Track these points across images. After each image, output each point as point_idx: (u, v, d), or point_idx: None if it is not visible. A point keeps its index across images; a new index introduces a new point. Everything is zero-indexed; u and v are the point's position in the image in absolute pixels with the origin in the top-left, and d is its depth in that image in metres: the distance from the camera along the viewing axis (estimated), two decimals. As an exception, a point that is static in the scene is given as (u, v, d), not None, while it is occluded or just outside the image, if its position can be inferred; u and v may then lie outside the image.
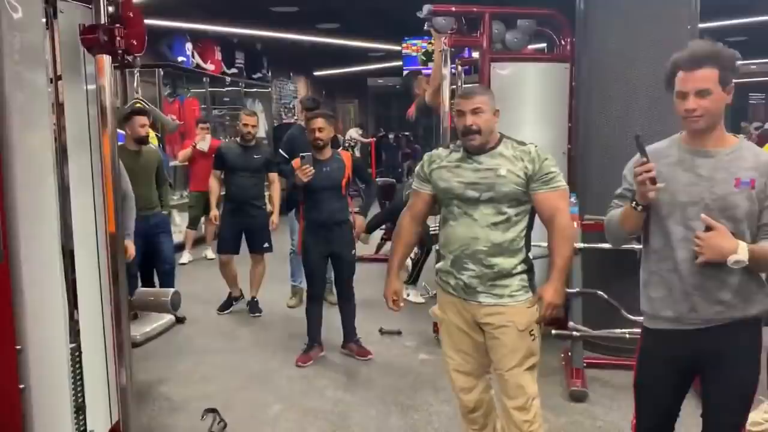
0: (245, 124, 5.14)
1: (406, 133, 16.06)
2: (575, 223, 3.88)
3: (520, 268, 2.48)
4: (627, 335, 3.72)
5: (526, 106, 4.49)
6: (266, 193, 5.55)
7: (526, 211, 2.47)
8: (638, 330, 3.68)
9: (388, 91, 18.65)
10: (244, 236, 5.27)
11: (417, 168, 2.65)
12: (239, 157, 5.13)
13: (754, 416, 3.05)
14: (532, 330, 2.52)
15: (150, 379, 4.00)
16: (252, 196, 5.18)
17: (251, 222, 5.21)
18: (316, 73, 15.47)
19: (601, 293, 3.78)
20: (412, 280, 5.97)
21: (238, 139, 5.35)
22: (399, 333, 4.85)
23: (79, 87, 2.62)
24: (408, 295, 5.89)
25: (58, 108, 2.59)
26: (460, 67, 5.42)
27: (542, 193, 2.43)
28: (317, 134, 4.13)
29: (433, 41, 4.57)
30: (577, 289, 3.82)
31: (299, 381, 4.08)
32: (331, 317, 4.55)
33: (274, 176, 5.32)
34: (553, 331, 3.80)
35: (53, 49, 2.55)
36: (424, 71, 5.25)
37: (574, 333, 3.76)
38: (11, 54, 2.41)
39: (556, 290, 2.39)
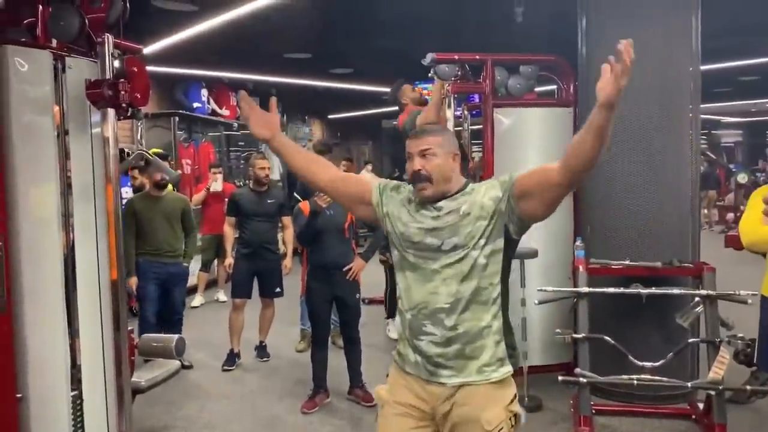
0: (260, 168, 5.17)
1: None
2: (581, 267, 3.86)
3: (494, 326, 2.01)
4: (635, 382, 3.66)
5: (530, 151, 4.52)
6: (279, 236, 5.58)
7: (498, 251, 2.00)
8: (647, 376, 3.67)
9: (400, 133, 18.81)
10: (256, 280, 5.29)
11: (378, 182, 2.23)
12: (253, 203, 5.16)
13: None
14: (503, 429, 1.98)
15: (155, 426, 3.99)
16: (266, 240, 5.20)
17: (264, 266, 5.21)
18: (330, 116, 15.70)
19: (608, 338, 3.74)
20: (390, 312, 5.91)
21: (250, 183, 5.38)
22: (407, 378, 4.80)
23: (85, 138, 2.69)
24: (388, 331, 5.87)
25: (65, 158, 2.67)
26: (466, 111, 5.49)
27: (518, 183, 1.97)
28: None
29: (432, 88, 4.62)
30: (584, 335, 3.78)
31: (304, 428, 4.04)
32: (338, 361, 4.53)
33: (287, 220, 5.32)
34: (560, 378, 3.75)
35: (61, 102, 2.64)
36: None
37: (581, 379, 3.70)
38: (20, 106, 2.50)
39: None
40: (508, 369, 2.04)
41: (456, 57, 4.46)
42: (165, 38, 6.80)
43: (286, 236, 5.41)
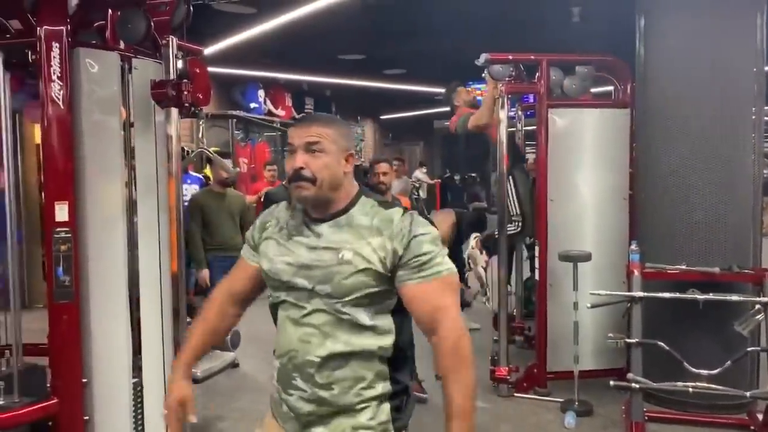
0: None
1: (473, 174, 16.06)
2: (636, 271, 3.79)
3: (380, 389, 1.59)
4: (690, 389, 3.57)
5: (585, 153, 4.45)
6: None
7: (387, 309, 1.60)
8: (703, 384, 3.57)
9: (453, 135, 18.77)
10: None
11: (249, 231, 1.80)
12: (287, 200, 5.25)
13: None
14: None
15: (208, 416, 4.10)
16: None
17: None
18: (382, 117, 15.78)
19: (663, 344, 3.66)
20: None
21: (284, 182, 5.50)
22: (456, 378, 4.80)
23: (149, 136, 2.81)
24: None
25: (130, 155, 2.80)
26: (520, 111, 5.46)
27: (413, 285, 1.54)
28: (381, 178, 4.25)
29: (485, 88, 4.62)
30: (637, 340, 3.71)
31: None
32: (387, 360, 4.56)
33: None
34: (612, 383, 3.69)
35: (127, 101, 2.77)
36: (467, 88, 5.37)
37: (634, 385, 3.63)
38: (90, 105, 2.63)
39: None
40: None
41: (510, 57, 4.43)
42: (224, 40, 6.98)
43: None
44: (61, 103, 2.50)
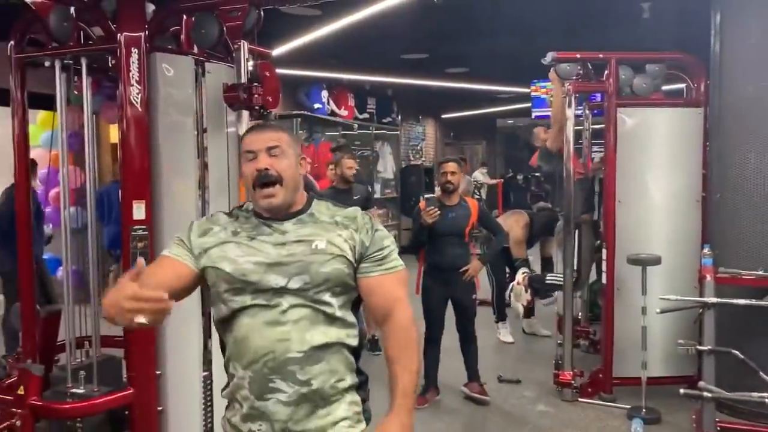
0: (349, 167, 5.32)
1: (536, 174, 15.81)
2: (708, 276, 3.66)
3: (349, 380, 1.65)
4: (766, 400, 3.43)
5: (655, 153, 4.33)
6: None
7: (350, 301, 1.68)
8: (780, 395, 3.43)
9: (517, 131, 18.54)
10: None
11: (179, 233, 1.71)
12: (339, 200, 5.31)
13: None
14: None
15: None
16: None
17: None
18: (444, 116, 15.72)
19: (737, 353, 3.53)
20: (498, 316, 5.87)
21: (335, 182, 5.50)
22: (518, 382, 4.76)
23: (221, 137, 2.90)
24: (499, 333, 5.82)
25: (203, 155, 2.89)
26: (587, 110, 5.35)
27: (375, 276, 1.65)
28: (449, 177, 4.25)
29: (551, 86, 4.56)
30: (710, 347, 3.59)
31: (414, 423, 4.10)
32: (447, 361, 4.55)
33: (373, 212, 5.50)
34: (682, 391, 3.58)
35: (200, 103, 2.86)
36: (539, 121, 5.38)
37: (706, 394, 3.52)
38: (166, 107, 2.73)
39: (403, 425, 1.56)
40: (363, 427, 1.69)
41: (578, 56, 4.36)
42: (289, 42, 7.10)
43: None
44: (139, 105, 2.61)
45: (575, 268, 4.67)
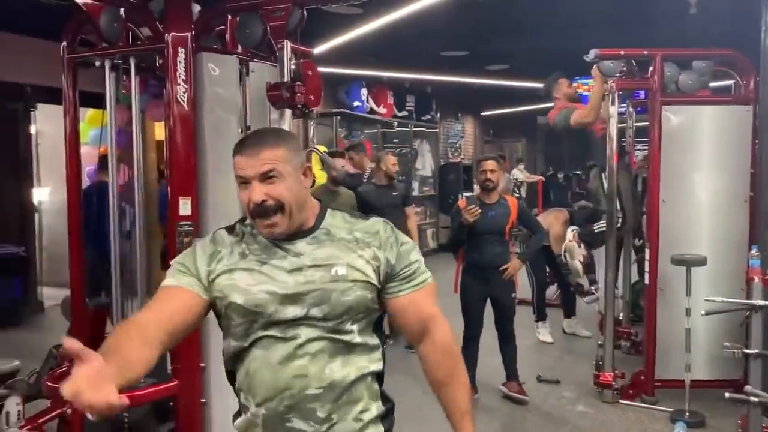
0: (393, 164, 5.41)
1: (578, 172, 15.57)
2: (756, 278, 3.57)
3: (375, 410, 1.52)
4: (816, 406, 3.33)
5: (702, 151, 4.23)
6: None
7: (372, 323, 1.53)
8: (831, 401, 3.31)
9: (552, 129, 18.29)
10: None
11: (179, 259, 1.53)
12: (379, 197, 5.38)
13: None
14: None
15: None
16: None
17: None
18: (483, 113, 15.62)
19: (785, 356, 3.43)
20: (538, 315, 5.81)
21: (374, 179, 5.58)
22: (557, 382, 4.72)
23: (264, 136, 2.94)
24: (539, 333, 5.77)
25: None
26: (631, 108, 5.26)
27: (405, 295, 1.51)
28: (488, 175, 4.23)
29: (593, 83, 4.48)
30: (757, 351, 3.50)
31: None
32: (485, 360, 4.54)
33: (410, 210, 5.54)
34: (728, 395, 3.50)
35: (244, 102, 2.91)
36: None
37: (752, 398, 3.43)
38: (212, 106, 2.79)
39: None
40: None
41: (622, 52, 4.29)
42: (330, 40, 7.15)
43: (410, 225, 5.55)
44: (185, 104, 2.67)
45: (618, 209, 4.58)
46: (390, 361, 1.64)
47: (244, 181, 1.45)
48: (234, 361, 1.51)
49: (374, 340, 1.53)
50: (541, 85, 5.83)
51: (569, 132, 5.13)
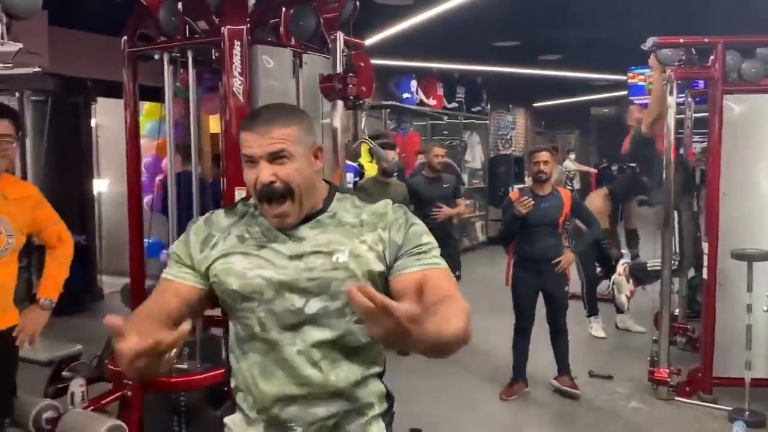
0: (435, 155, 5.38)
1: (632, 165, 15.20)
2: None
3: (377, 409, 1.47)
4: None
5: (764, 142, 4.07)
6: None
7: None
8: None
9: (612, 120, 17.89)
10: None
11: (174, 248, 1.49)
12: (428, 188, 5.37)
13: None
14: None
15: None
16: (443, 224, 5.37)
17: (444, 251, 5.36)
18: (535, 105, 15.40)
19: None
20: (590, 310, 5.71)
21: (424, 171, 5.59)
22: (610, 378, 4.63)
23: (316, 125, 2.97)
24: (591, 327, 5.66)
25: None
26: (690, 98, 5.10)
27: (417, 272, 1.35)
28: (541, 167, 4.18)
29: (650, 73, 4.37)
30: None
31: (502, 413, 4.09)
32: (536, 353, 4.49)
33: (461, 201, 5.53)
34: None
35: (297, 93, 2.94)
36: (636, 101, 5.16)
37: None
38: (265, 97, 2.83)
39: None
40: None
41: (681, 40, 4.16)
42: (380, 32, 7.16)
43: (461, 208, 5.54)
44: (241, 96, 2.71)
45: (677, 251, 4.49)
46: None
47: (251, 160, 1.36)
48: (235, 356, 1.45)
49: None
50: (595, 76, 5.74)
51: (641, 142, 5.05)
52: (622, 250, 5.91)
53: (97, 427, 2.46)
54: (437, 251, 1.43)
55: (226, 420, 1.50)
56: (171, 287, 1.42)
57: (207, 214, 1.50)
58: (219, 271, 1.39)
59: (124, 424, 2.59)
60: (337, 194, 1.46)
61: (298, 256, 1.37)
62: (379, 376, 1.48)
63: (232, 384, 1.48)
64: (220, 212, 1.49)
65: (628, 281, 5.28)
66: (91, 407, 2.82)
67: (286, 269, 1.36)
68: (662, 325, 4.29)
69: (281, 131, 1.35)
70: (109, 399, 2.88)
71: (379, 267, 1.37)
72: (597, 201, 5.85)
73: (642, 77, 10.36)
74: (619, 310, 5.84)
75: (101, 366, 3.19)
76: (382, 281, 1.38)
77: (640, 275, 5.19)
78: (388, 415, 1.51)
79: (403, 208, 1.46)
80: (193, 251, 1.43)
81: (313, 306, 1.35)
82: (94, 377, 3.18)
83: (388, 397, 1.51)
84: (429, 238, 1.43)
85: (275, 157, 1.34)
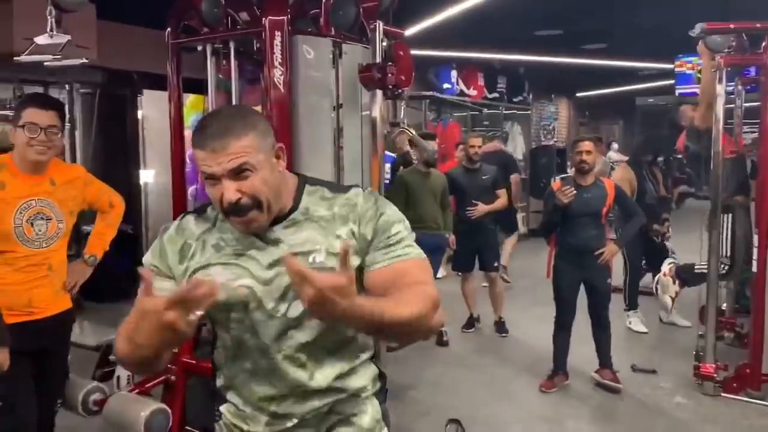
0: (471, 146, 5.36)
1: (678, 156, 14.82)
2: None
3: (371, 389, 1.49)
4: None
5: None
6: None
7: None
8: None
9: (658, 111, 17.46)
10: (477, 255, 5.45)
11: (150, 259, 1.45)
12: (467, 180, 5.34)
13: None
14: None
15: (399, 384, 4.30)
16: (482, 216, 5.33)
17: (483, 241, 5.40)
18: (578, 94, 15.13)
19: None
20: (630, 304, 5.59)
21: (463, 162, 5.58)
22: (653, 372, 4.55)
23: (356, 117, 2.98)
24: (630, 322, 5.55)
25: (339, 133, 2.99)
26: (740, 86, 4.94)
27: (385, 266, 1.33)
28: (584, 157, 4.11)
29: (698, 61, 4.24)
30: None
31: (542, 406, 4.06)
32: (577, 346, 4.43)
33: (502, 192, 5.48)
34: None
35: (337, 83, 2.95)
36: (679, 90, 5.03)
37: None
38: (305, 87, 2.85)
39: (344, 310, 1.10)
40: None
41: (731, 26, 4.03)
42: (420, 22, 7.12)
43: (498, 203, 5.45)
44: (282, 86, 2.73)
45: (728, 255, 4.35)
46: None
47: (211, 177, 1.29)
48: (222, 359, 1.46)
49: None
50: (641, 65, 5.62)
51: (695, 138, 4.90)
52: (666, 243, 5.76)
53: (142, 410, 2.53)
54: (410, 239, 1.37)
55: (222, 409, 1.51)
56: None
57: (176, 221, 1.46)
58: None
59: (167, 407, 2.65)
60: (307, 187, 1.42)
61: (276, 262, 1.33)
62: (371, 359, 1.49)
63: (219, 382, 1.49)
64: (190, 218, 1.45)
65: (674, 282, 5.16)
66: (136, 390, 2.89)
67: (265, 277, 1.34)
68: (708, 320, 4.19)
69: (238, 144, 1.27)
70: (153, 383, 2.96)
71: (355, 261, 1.33)
72: (618, 171, 5.77)
73: (690, 65, 10.07)
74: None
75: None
76: (360, 275, 1.35)
77: (686, 277, 5.06)
78: (381, 393, 1.53)
79: (374, 196, 1.41)
80: (171, 262, 1.41)
81: (296, 309, 1.33)
82: (139, 362, 3.26)
83: (381, 376, 1.52)
84: (399, 227, 1.37)
85: (237, 172, 1.28)
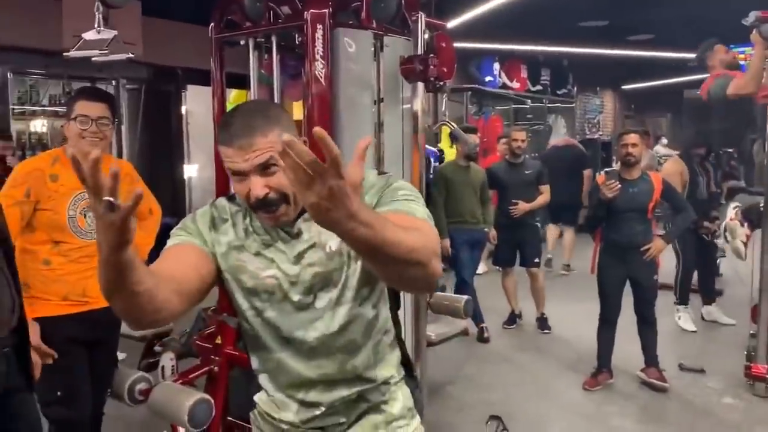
0: (514, 140, 5.29)
1: (729, 150, 14.37)
2: None
3: (397, 376, 1.51)
4: None
5: None
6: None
7: (381, 293, 1.44)
8: None
9: (705, 103, 16.98)
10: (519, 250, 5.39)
11: (179, 225, 1.44)
12: (509, 175, 5.27)
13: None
14: None
15: (438, 380, 4.28)
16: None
17: (524, 236, 5.33)
18: (624, 87, 14.80)
19: None
20: (681, 298, 5.43)
21: (507, 156, 5.51)
22: (702, 371, 4.42)
23: (397, 110, 2.96)
24: (679, 318, 5.39)
25: (379, 128, 2.98)
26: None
27: (390, 209, 1.28)
28: (630, 149, 4.01)
29: (751, 51, 4.08)
30: None
31: (585, 404, 3.99)
32: (622, 344, 4.33)
33: (546, 188, 5.38)
34: None
35: (378, 76, 2.94)
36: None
37: None
38: (346, 81, 2.84)
39: (352, 212, 1.02)
40: (417, 422, 1.54)
41: (788, 14, 3.87)
42: (462, 14, 7.05)
43: (540, 200, 5.36)
44: (323, 80, 2.73)
45: None
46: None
47: (239, 174, 1.30)
48: (251, 346, 1.49)
49: (386, 312, 1.45)
50: (690, 56, 5.42)
51: (723, 105, 4.74)
52: (717, 241, 5.56)
53: (186, 400, 2.56)
54: (417, 203, 1.33)
55: (256, 398, 1.55)
56: (181, 251, 1.37)
57: (211, 201, 1.49)
58: (233, 265, 1.39)
59: (210, 398, 2.68)
60: None
61: (300, 255, 1.37)
62: (398, 339, 1.51)
63: (254, 365, 1.52)
64: (223, 199, 1.47)
65: (742, 225, 4.91)
66: (180, 380, 2.94)
67: (292, 270, 1.37)
68: (761, 319, 4.04)
69: (264, 139, 1.27)
70: (197, 374, 3.00)
71: None
72: (668, 164, 5.57)
73: (742, 56, 9.73)
74: (707, 300, 5.56)
75: (190, 342, 3.33)
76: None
77: (754, 218, 4.82)
78: (412, 381, 1.55)
79: (386, 177, 1.40)
80: (202, 227, 1.41)
81: (322, 300, 1.37)
82: (183, 353, 3.32)
83: (405, 360, 1.54)
84: (408, 192, 1.34)
85: (264, 168, 1.28)
